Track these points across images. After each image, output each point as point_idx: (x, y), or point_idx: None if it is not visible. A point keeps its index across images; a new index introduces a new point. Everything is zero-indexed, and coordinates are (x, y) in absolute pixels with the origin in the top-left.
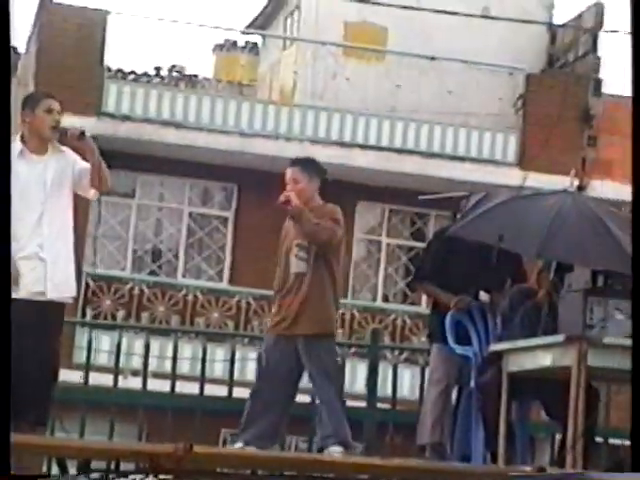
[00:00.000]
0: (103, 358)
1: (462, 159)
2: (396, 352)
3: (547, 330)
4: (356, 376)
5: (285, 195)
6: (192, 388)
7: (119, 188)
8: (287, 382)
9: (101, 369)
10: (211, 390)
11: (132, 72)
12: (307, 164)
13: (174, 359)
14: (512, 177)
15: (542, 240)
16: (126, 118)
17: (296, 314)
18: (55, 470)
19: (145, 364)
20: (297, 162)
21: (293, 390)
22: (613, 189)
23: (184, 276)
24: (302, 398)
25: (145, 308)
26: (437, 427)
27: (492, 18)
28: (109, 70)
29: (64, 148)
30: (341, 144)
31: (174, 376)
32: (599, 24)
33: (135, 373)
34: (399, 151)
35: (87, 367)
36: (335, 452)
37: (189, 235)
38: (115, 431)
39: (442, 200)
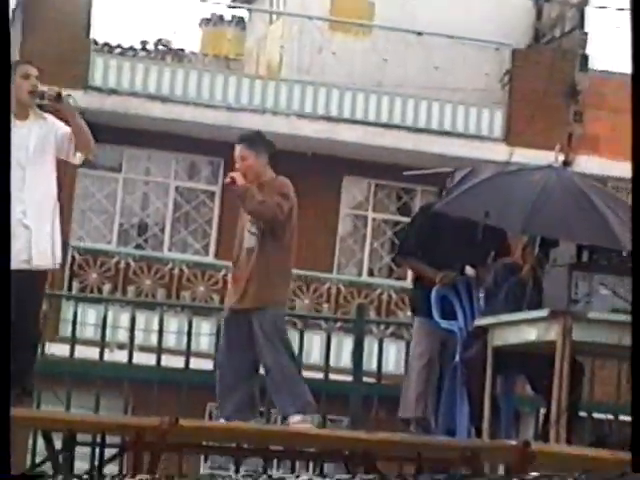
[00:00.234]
0: (89, 331)
1: (448, 134)
2: (382, 326)
3: (532, 305)
4: (342, 350)
5: (230, 175)
6: (178, 362)
7: (105, 162)
8: (247, 354)
9: (87, 342)
10: (197, 363)
11: (119, 46)
12: (253, 140)
13: (160, 332)
14: (498, 152)
15: (527, 215)
16: (113, 92)
17: (244, 289)
18: (41, 443)
19: (131, 337)
20: (243, 139)
21: (256, 362)
22: (599, 164)
23: (170, 250)
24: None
25: (131, 282)
26: (421, 401)
27: None
28: (96, 44)
29: (46, 115)
30: (327, 118)
31: (160, 349)
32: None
33: (121, 346)
34: (385, 126)
35: (73, 340)
36: (295, 421)
37: (175, 209)
38: (101, 404)
39: (428, 175)
